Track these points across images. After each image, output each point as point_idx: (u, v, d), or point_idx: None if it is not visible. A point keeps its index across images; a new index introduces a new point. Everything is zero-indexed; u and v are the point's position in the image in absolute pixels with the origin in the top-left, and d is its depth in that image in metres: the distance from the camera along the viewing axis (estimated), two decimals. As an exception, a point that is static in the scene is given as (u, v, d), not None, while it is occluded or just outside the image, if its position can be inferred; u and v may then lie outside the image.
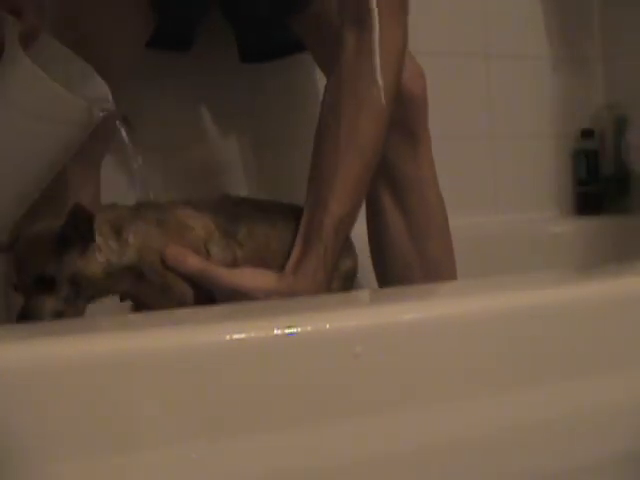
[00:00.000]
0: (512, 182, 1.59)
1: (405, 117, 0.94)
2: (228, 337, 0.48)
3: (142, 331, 0.50)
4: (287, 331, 0.49)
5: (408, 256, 0.96)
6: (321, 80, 1.33)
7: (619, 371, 0.60)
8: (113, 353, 0.47)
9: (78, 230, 0.67)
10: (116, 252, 0.68)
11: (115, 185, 1.02)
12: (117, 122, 0.76)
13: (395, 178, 0.95)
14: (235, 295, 0.71)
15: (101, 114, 0.73)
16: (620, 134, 1.62)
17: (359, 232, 0.99)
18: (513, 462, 0.57)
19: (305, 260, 0.75)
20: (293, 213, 0.81)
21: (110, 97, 0.75)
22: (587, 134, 1.64)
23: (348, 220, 0.78)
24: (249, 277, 0.73)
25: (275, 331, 0.49)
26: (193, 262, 0.71)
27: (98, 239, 0.68)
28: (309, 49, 1.10)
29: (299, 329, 0.50)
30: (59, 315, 0.67)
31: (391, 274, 0.97)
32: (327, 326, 0.51)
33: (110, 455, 0.46)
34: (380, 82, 0.77)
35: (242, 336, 0.48)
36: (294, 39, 1.10)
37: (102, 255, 0.68)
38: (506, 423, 0.56)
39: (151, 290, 0.72)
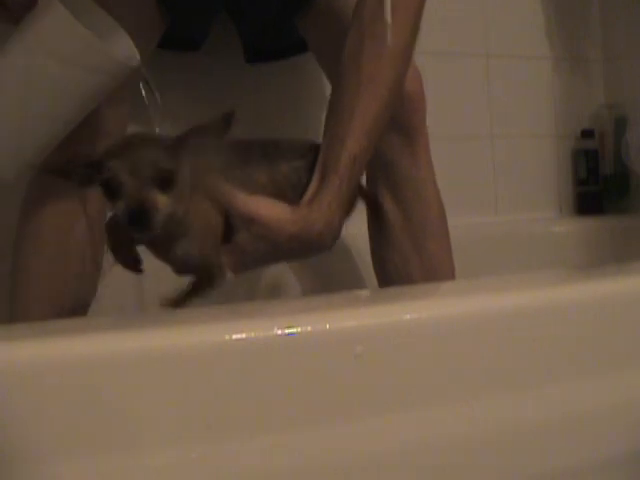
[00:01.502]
0: (512, 182, 1.59)
1: (403, 117, 0.95)
2: (228, 337, 0.48)
3: (142, 331, 0.50)
4: (287, 331, 0.49)
5: (407, 253, 0.97)
6: (324, 80, 1.33)
7: (619, 371, 0.60)
8: (113, 353, 0.47)
9: (195, 138, 0.66)
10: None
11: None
12: (140, 84, 0.77)
13: (393, 177, 0.97)
14: (250, 222, 0.73)
15: (129, 69, 0.76)
16: (620, 134, 1.62)
17: (360, 232, 1.00)
18: (513, 462, 0.57)
19: (320, 193, 0.76)
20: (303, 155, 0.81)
21: (137, 55, 0.77)
22: (587, 134, 1.64)
23: (363, 156, 0.80)
24: (265, 205, 0.74)
25: (275, 331, 0.49)
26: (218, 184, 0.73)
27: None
28: (312, 49, 1.10)
29: (299, 329, 0.50)
30: (169, 217, 0.64)
31: (390, 272, 0.98)
32: (327, 326, 0.51)
33: (110, 455, 0.46)
34: (394, 25, 0.80)
35: (242, 336, 0.48)
36: (299, 39, 1.11)
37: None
38: (506, 423, 0.56)
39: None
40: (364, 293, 0.88)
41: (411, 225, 0.96)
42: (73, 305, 0.86)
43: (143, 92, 0.79)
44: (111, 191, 0.63)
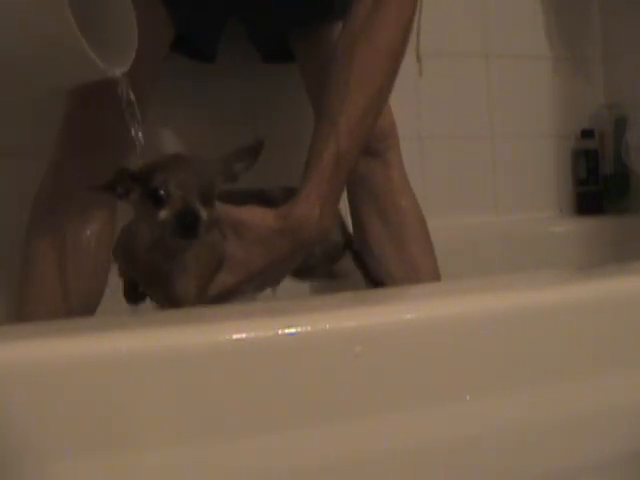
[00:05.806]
0: (512, 182, 1.59)
1: (378, 149, 1.00)
2: (228, 337, 0.48)
3: (142, 331, 0.50)
4: (287, 331, 0.49)
5: (387, 255, 1.01)
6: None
7: (619, 371, 0.60)
8: (113, 353, 0.47)
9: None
10: None
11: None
12: (119, 90, 0.75)
13: (370, 190, 1.03)
14: (237, 226, 0.77)
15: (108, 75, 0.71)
16: (620, 134, 1.62)
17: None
18: (513, 462, 0.57)
19: (300, 190, 0.79)
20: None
21: (128, 66, 0.72)
22: (587, 134, 1.64)
23: (348, 156, 0.81)
24: (248, 210, 0.78)
25: (275, 331, 0.49)
26: None
27: None
28: (301, 69, 1.12)
29: (299, 329, 0.50)
30: (207, 229, 0.69)
31: (374, 274, 1.00)
32: (327, 326, 0.51)
33: (110, 455, 0.46)
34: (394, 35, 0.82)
35: (242, 336, 0.48)
36: None
37: None
38: (506, 423, 0.56)
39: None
40: (364, 293, 0.88)
41: (390, 230, 1.02)
42: (83, 304, 0.86)
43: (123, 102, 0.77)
44: (157, 201, 0.68)
